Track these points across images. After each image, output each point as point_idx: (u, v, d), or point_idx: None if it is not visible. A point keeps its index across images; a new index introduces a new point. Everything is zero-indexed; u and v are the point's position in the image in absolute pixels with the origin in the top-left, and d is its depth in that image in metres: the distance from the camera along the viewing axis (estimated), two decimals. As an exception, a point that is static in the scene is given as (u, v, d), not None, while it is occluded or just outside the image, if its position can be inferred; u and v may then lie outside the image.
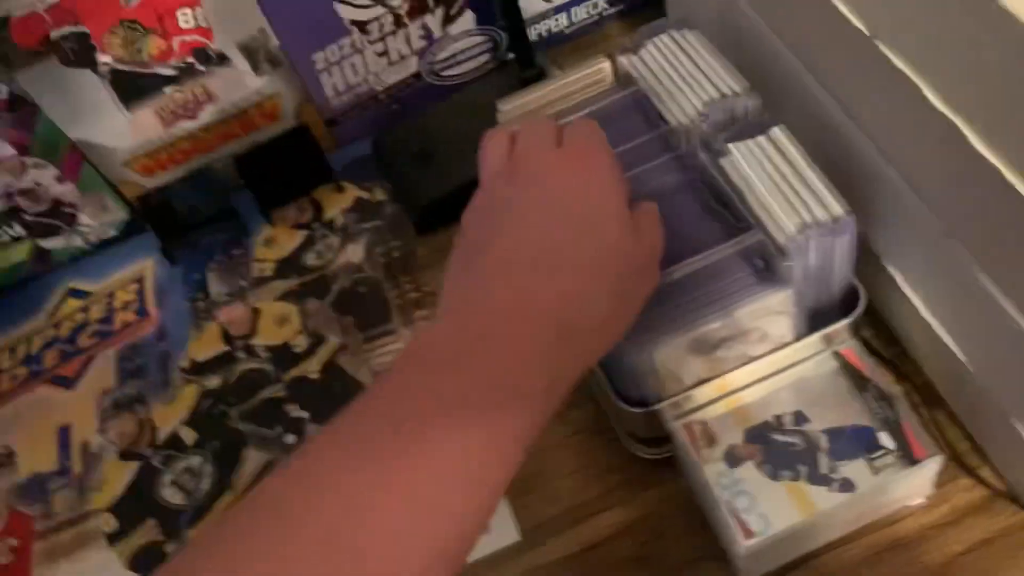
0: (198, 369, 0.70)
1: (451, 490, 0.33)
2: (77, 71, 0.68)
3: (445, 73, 0.79)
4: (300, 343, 0.70)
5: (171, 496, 0.64)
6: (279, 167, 0.76)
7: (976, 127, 0.39)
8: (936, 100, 0.41)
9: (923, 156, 0.45)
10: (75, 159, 0.72)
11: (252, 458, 0.65)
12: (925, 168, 0.46)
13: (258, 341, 0.71)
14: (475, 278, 0.39)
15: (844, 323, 0.52)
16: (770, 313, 0.49)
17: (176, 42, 0.69)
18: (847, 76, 0.50)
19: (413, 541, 0.32)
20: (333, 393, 0.66)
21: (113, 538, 0.63)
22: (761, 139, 0.52)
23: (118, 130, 0.72)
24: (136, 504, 0.65)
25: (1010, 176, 0.38)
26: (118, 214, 0.77)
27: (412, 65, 0.77)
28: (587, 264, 0.39)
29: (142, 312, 0.75)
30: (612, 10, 0.81)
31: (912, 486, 0.51)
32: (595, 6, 0.80)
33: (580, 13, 0.80)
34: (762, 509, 0.49)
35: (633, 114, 0.58)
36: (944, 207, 0.46)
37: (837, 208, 0.48)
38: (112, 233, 0.79)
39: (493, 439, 0.34)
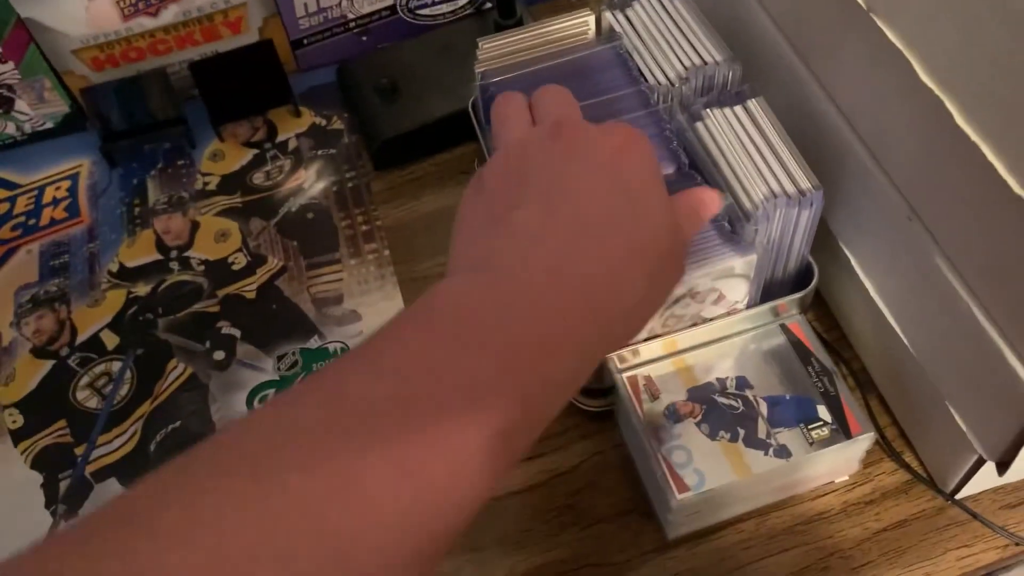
0: (127, 274, 0.67)
1: (455, 475, 0.29)
2: (37, -56, 0.64)
3: (421, 12, 0.77)
4: (239, 260, 0.67)
5: (85, 399, 0.61)
6: (237, 81, 0.73)
7: (961, 105, 0.40)
8: (925, 76, 0.42)
9: (901, 134, 0.46)
10: (20, 38, 0.68)
11: (176, 369, 0.62)
12: (899, 147, 0.47)
13: (194, 253, 0.68)
14: (502, 238, 0.35)
15: (794, 297, 0.53)
16: (731, 275, 0.50)
17: (147, -69, 0.65)
18: (834, 51, 0.51)
19: (410, 523, 0.28)
20: (268, 314, 0.64)
21: (17, 435, 0.60)
22: (738, 108, 0.52)
23: (73, 15, 0.68)
24: (46, 403, 0.61)
25: (990, 155, 0.39)
26: (58, 106, 0.73)
27: (388, -2, 0.75)
28: (630, 244, 0.35)
29: (73, 211, 0.71)
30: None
31: (842, 461, 0.52)
32: (577, -31, 0.80)
33: (562, -26, 0.80)
34: (698, 465, 0.50)
35: (614, 68, 0.58)
36: (912, 188, 0.47)
37: (805, 181, 0.49)
38: (49, 125, 0.75)
39: (499, 433, 0.30)
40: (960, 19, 0.39)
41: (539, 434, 0.33)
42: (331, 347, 0.62)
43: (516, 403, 0.31)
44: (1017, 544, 0.51)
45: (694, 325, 0.53)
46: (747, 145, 0.51)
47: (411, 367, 0.30)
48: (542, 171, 0.37)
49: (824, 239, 0.56)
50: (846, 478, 0.54)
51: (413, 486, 0.28)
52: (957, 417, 0.48)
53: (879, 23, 0.44)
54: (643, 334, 0.52)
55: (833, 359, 0.58)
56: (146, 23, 0.70)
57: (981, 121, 0.39)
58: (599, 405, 0.57)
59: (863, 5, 0.45)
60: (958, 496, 0.53)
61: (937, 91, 0.41)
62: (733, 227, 0.50)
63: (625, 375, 0.53)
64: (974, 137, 0.40)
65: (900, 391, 0.55)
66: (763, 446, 0.50)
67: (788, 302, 0.53)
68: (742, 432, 0.51)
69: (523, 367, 0.31)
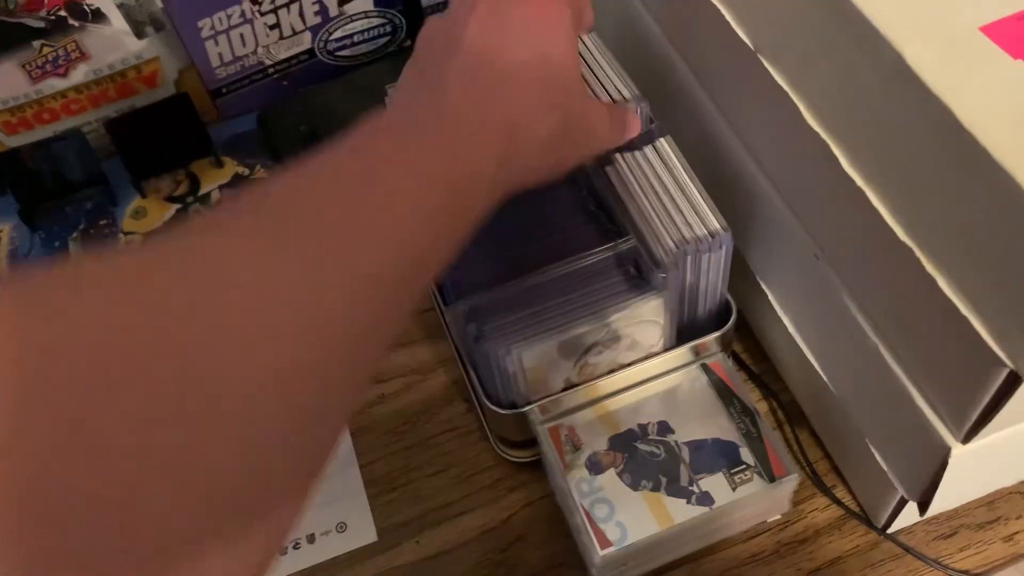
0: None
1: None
2: (-66, 13, 0.63)
3: (340, 53, 0.76)
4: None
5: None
6: (155, 135, 0.72)
7: (846, 149, 0.39)
8: (810, 119, 0.41)
9: (798, 175, 0.45)
10: (-73, 108, 0.67)
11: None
12: (800, 187, 0.46)
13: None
14: (428, 84, 0.39)
15: (713, 336, 0.52)
16: (641, 321, 0.49)
17: (48, -8, 0.64)
18: (734, 90, 0.50)
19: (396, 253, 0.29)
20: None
21: None
22: (647, 150, 0.51)
23: (-22, 81, 0.67)
24: None
25: (875, 200, 0.38)
26: (-26, 172, 0.72)
27: (305, 41, 0.74)
28: (539, 79, 0.39)
29: (-7, 279, 0.70)
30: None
31: (770, 502, 0.51)
32: None
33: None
34: (620, 518, 0.49)
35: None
36: (815, 228, 0.46)
37: (714, 223, 0.48)
38: (-34, 192, 0.73)
39: (432, 217, 0.32)
40: (837, 64, 0.38)
41: (465, 223, 0.34)
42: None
43: (447, 189, 0.33)
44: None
45: (611, 372, 0.52)
46: (656, 187, 0.50)
47: (364, 148, 0.32)
48: (462, 28, 0.40)
49: (744, 273, 0.55)
50: (778, 516, 0.53)
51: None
52: (878, 456, 0.47)
53: (765, 64, 0.43)
54: (560, 384, 0.51)
55: (762, 392, 0.57)
56: (57, 84, 0.69)
57: (864, 166, 0.38)
58: (526, 455, 0.56)
59: (750, 45, 0.44)
60: (891, 529, 0.52)
61: (823, 135, 0.40)
62: (640, 271, 0.49)
63: (547, 426, 0.52)
64: (859, 182, 0.39)
65: (827, 426, 0.54)
66: (685, 494, 0.49)
67: (707, 342, 0.52)
68: (664, 480, 0.50)
69: (453, 161, 0.34)
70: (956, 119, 0.32)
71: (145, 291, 0.23)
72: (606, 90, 0.55)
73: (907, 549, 0.51)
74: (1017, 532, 0.52)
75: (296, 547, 0.56)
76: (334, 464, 0.58)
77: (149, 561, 0.22)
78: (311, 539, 0.56)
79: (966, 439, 0.40)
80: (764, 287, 0.54)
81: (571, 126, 0.41)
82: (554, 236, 0.51)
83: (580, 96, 0.43)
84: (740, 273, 0.53)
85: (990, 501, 0.53)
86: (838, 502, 0.53)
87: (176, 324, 0.22)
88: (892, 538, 0.51)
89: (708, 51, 0.52)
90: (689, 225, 0.48)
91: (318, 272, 0.26)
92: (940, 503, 0.47)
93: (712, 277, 0.50)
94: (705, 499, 0.49)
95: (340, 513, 0.57)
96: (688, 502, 0.49)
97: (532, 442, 0.54)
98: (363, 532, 0.56)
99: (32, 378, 0.20)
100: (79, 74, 0.69)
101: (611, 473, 0.50)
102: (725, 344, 0.53)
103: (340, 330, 0.26)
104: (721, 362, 0.53)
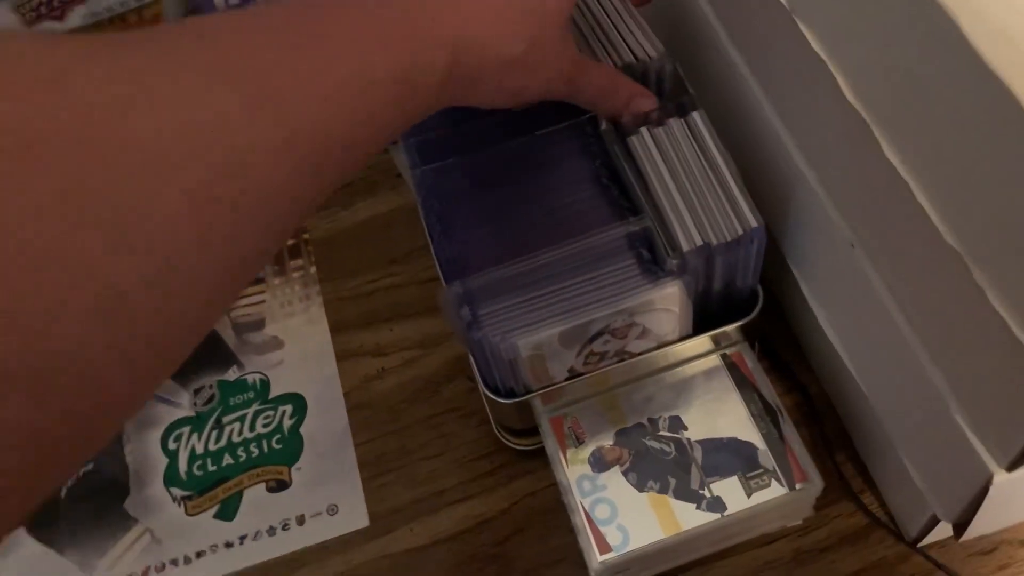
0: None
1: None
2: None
3: None
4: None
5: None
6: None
7: (888, 131, 0.34)
8: (850, 94, 0.35)
9: (836, 155, 0.40)
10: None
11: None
12: (836, 169, 0.41)
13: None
14: None
15: (735, 326, 0.47)
16: (653, 310, 0.44)
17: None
18: (768, 55, 0.44)
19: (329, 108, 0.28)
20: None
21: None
22: (676, 123, 0.46)
23: (-30, 24, 0.63)
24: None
25: (919, 193, 0.33)
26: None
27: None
28: (510, 3, 0.37)
29: None
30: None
31: (788, 510, 0.47)
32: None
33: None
34: (622, 521, 0.45)
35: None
36: (852, 214, 0.41)
37: (748, 215, 0.42)
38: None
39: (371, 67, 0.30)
40: (880, 29, 0.33)
41: (399, 118, 0.33)
42: (250, 378, 0.58)
43: (391, 74, 0.31)
44: (987, 598, 0.46)
45: (620, 360, 0.47)
46: (683, 167, 0.44)
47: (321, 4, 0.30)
48: None
49: (776, 258, 0.50)
50: (799, 522, 0.49)
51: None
52: (911, 469, 0.43)
53: (802, 28, 0.38)
54: (563, 373, 0.47)
55: (789, 383, 0.53)
56: (53, 26, 0.65)
57: (909, 153, 0.33)
58: (530, 443, 0.52)
59: (785, 5, 0.39)
60: (923, 543, 0.47)
61: (863, 112, 0.35)
62: (654, 255, 0.44)
63: (550, 416, 0.49)
64: (902, 171, 0.33)
65: (857, 427, 0.49)
66: (695, 498, 0.45)
67: (729, 331, 0.48)
68: (673, 482, 0.46)
69: (403, 46, 0.32)
70: (1019, 104, 0.27)
71: (68, 87, 0.22)
72: (628, 46, 0.49)
73: (939, 565, 0.47)
74: (1065, 552, 0.47)
75: (285, 528, 0.53)
76: (328, 442, 0.56)
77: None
78: (300, 521, 0.53)
79: (1012, 467, 0.35)
80: (796, 273, 0.49)
81: (537, 61, 0.39)
82: (560, 210, 0.46)
83: (557, 38, 0.40)
84: (772, 258, 0.48)
85: (1037, 516, 0.48)
86: (865, 510, 0.49)
87: (96, 124, 0.22)
88: (923, 552, 0.47)
89: (742, 8, 0.46)
90: (717, 214, 0.43)
91: (243, 111, 0.25)
92: (980, 527, 0.43)
93: (741, 271, 0.45)
94: (717, 505, 0.45)
95: (332, 495, 0.54)
96: (698, 507, 0.45)
97: (536, 430, 0.50)
98: (355, 516, 0.53)
99: None
100: (76, 17, 0.65)
101: (616, 471, 0.46)
102: (749, 334, 0.49)
103: (257, 175, 0.25)
104: (744, 353, 0.49)
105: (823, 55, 0.36)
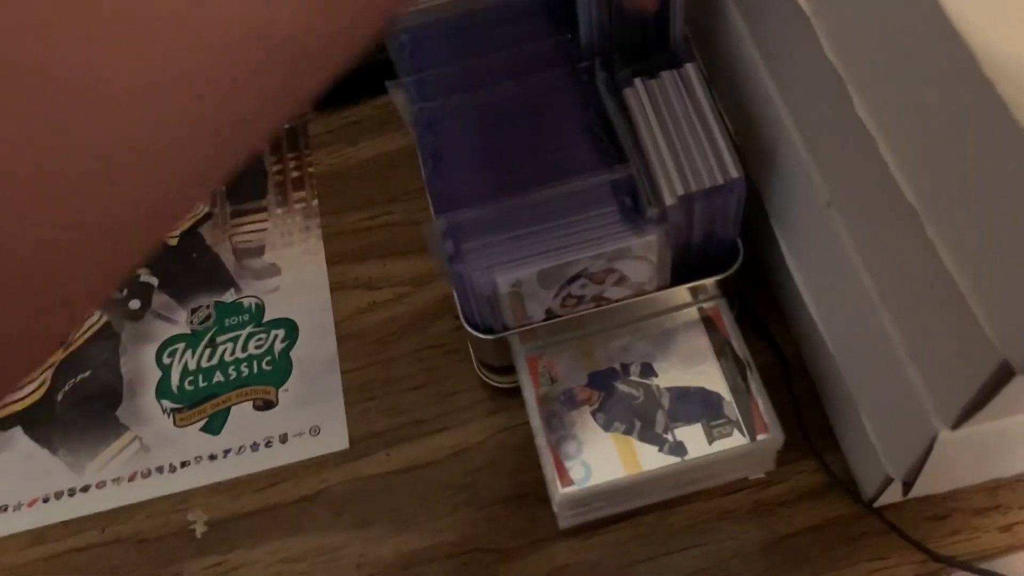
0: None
1: None
2: None
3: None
4: (167, 204, 0.65)
5: None
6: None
7: (862, 88, 0.35)
8: (829, 50, 0.36)
9: (815, 111, 0.41)
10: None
11: (91, 316, 0.61)
12: (816, 126, 0.42)
13: (125, 195, 0.66)
14: None
15: (712, 280, 0.48)
16: (629, 257, 0.46)
17: None
18: (765, 15, 0.45)
19: None
20: (187, 263, 0.62)
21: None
22: (669, 75, 0.47)
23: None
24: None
25: (884, 150, 0.34)
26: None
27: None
28: None
29: None
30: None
31: (749, 460, 0.48)
32: None
33: None
34: (586, 458, 0.47)
35: (538, 16, 0.53)
36: (829, 173, 0.42)
37: (730, 167, 0.43)
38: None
39: None
40: (863, -13, 0.33)
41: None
42: (246, 302, 0.60)
43: None
44: (936, 560, 0.47)
45: (598, 306, 0.49)
46: (672, 117, 0.46)
47: None
48: None
49: (759, 214, 0.51)
50: (762, 475, 0.50)
51: None
52: (868, 427, 0.44)
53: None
54: (541, 314, 0.48)
55: (766, 343, 0.54)
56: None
57: (880, 111, 0.34)
58: (507, 381, 0.54)
59: (777, -40, 0.39)
60: (879, 503, 0.48)
61: (839, 69, 0.36)
62: (637, 204, 0.45)
63: (526, 355, 0.50)
64: (871, 128, 0.34)
65: (825, 388, 0.50)
66: (658, 441, 0.47)
67: (706, 285, 0.49)
68: (638, 424, 0.47)
69: None
70: (979, 68, 0.27)
71: None
72: None
73: (892, 527, 0.48)
74: (1017, 523, 0.48)
75: (268, 445, 0.55)
76: (316, 367, 0.57)
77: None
78: (284, 439, 0.55)
79: (955, 425, 0.36)
80: (776, 232, 0.50)
81: None
82: (550, 154, 0.47)
83: None
84: (755, 214, 0.49)
85: (993, 487, 0.49)
86: (826, 468, 0.50)
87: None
88: (878, 513, 0.48)
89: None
90: (701, 165, 0.44)
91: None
92: (929, 485, 0.44)
93: (720, 223, 0.46)
94: (678, 449, 0.46)
95: (315, 416, 0.56)
96: (660, 450, 0.46)
97: (514, 369, 0.52)
98: (335, 438, 0.55)
99: None
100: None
101: (584, 410, 0.48)
102: (727, 289, 0.50)
103: (213, 60, 0.24)
104: (721, 309, 0.50)
105: (808, 11, 0.37)
